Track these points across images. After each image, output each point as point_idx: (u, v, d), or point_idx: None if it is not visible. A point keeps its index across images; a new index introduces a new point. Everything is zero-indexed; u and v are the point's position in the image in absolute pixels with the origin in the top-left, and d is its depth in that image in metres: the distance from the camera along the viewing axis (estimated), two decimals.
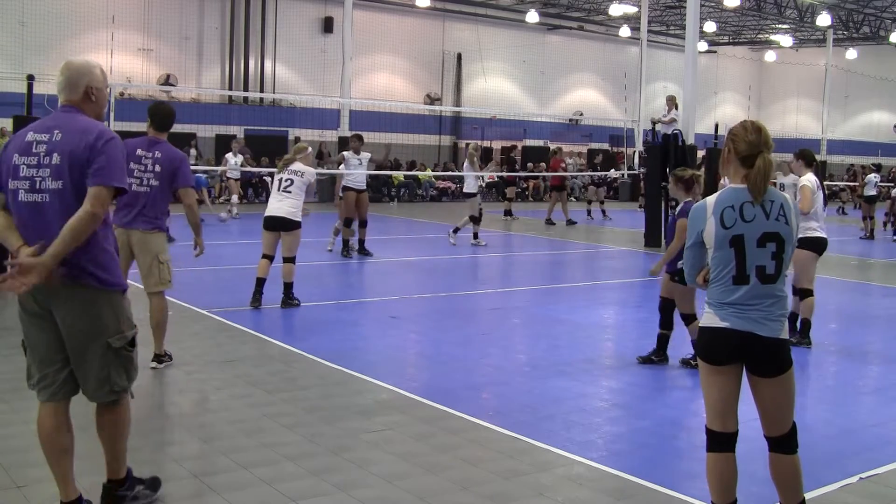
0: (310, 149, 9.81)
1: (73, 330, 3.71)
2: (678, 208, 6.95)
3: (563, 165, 22.51)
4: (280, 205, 8.94)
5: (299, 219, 8.99)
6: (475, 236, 15.48)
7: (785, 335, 3.70)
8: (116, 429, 3.92)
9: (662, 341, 7.18)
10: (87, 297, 3.71)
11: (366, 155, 13.48)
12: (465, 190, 16.27)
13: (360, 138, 13.67)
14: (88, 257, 3.68)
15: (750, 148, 3.69)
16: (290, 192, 8.95)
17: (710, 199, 3.76)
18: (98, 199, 3.62)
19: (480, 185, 16.62)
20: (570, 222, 20.32)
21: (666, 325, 7.14)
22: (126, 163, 3.99)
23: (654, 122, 18.28)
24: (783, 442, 3.77)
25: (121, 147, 3.79)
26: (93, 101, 3.86)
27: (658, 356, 7.16)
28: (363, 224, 13.55)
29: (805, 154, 8.24)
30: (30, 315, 3.76)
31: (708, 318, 3.76)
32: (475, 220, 15.45)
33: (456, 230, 15.45)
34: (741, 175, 3.72)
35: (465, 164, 16.17)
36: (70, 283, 3.66)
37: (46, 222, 3.65)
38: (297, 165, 9.22)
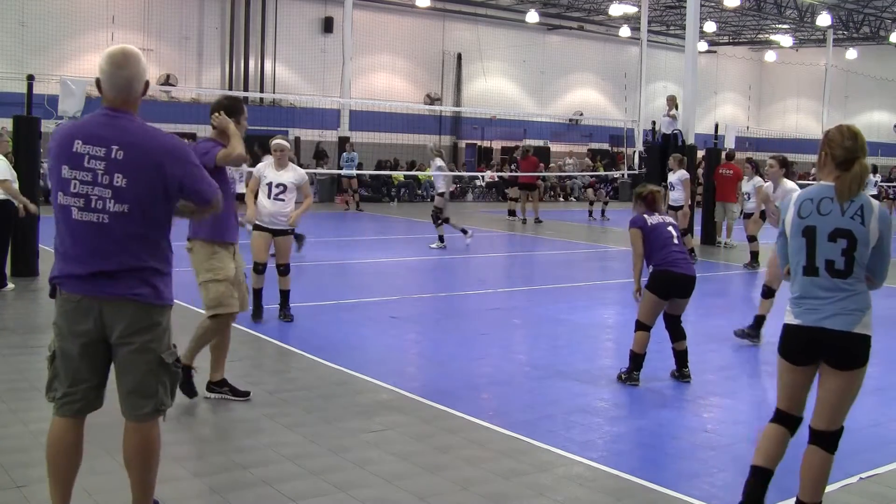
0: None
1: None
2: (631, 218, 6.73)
3: (542, 166, 22.72)
4: (276, 210, 8.11)
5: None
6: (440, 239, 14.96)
7: (859, 329, 3.76)
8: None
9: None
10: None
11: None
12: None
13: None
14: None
15: (846, 153, 3.79)
16: (281, 198, 8.15)
17: (798, 192, 3.93)
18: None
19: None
20: (538, 220, 20.46)
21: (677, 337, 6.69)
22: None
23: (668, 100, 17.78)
24: (826, 438, 3.82)
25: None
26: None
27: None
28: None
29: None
30: None
31: (786, 315, 3.90)
32: (446, 220, 14.86)
33: (463, 231, 15.06)
34: (834, 175, 3.82)
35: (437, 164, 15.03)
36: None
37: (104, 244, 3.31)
38: (288, 167, 8.32)
